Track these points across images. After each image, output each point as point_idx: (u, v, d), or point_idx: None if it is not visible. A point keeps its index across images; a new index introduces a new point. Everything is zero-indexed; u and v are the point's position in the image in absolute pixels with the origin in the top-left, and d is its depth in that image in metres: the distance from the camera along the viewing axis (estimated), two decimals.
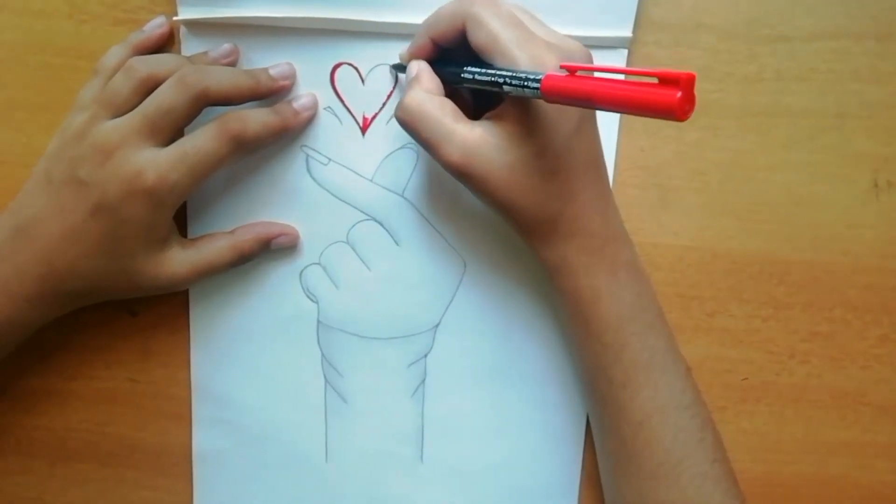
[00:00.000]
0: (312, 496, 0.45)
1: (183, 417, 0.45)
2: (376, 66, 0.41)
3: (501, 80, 0.32)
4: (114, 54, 0.40)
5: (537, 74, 0.30)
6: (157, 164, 0.36)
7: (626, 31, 0.39)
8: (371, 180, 0.42)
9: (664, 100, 0.25)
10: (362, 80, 0.41)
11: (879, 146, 0.40)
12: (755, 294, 0.42)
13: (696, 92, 0.40)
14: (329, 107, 0.41)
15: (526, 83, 0.31)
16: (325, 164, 0.42)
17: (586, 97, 0.28)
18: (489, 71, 0.33)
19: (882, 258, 0.41)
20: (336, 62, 0.41)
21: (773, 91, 0.40)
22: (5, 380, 0.45)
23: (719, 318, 0.42)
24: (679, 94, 0.25)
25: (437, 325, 0.43)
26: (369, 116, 0.41)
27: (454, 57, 0.36)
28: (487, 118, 0.35)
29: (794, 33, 0.39)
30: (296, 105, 0.40)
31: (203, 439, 0.45)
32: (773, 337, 0.42)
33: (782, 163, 0.41)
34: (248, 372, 0.44)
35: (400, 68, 0.40)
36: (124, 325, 0.45)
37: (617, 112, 0.28)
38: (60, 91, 0.42)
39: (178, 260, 0.39)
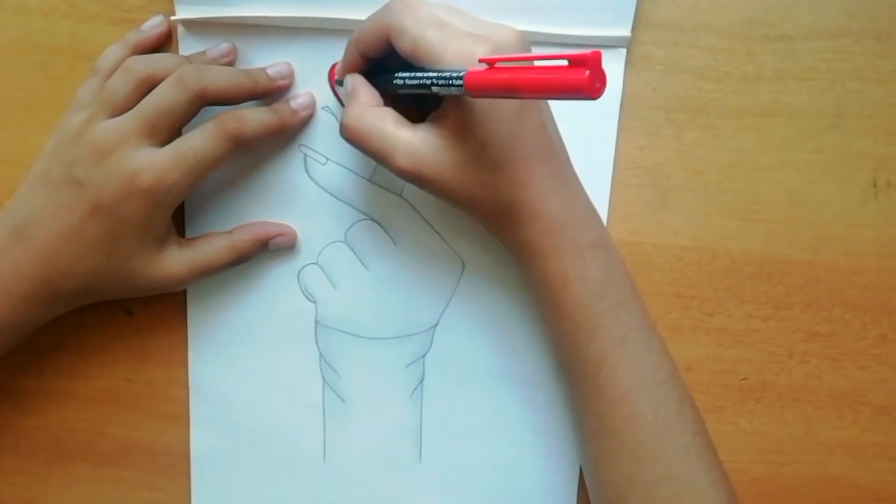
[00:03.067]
0: (310, 496, 0.45)
1: (180, 417, 0.45)
2: None
3: (429, 82, 0.32)
4: (111, 53, 0.40)
5: (460, 72, 0.30)
6: (156, 164, 0.36)
7: (625, 31, 0.39)
8: (369, 180, 0.42)
9: (575, 79, 0.26)
10: None
11: (879, 146, 0.40)
12: (754, 294, 0.42)
13: (696, 91, 0.40)
14: (327, 106, 0.41)
15: (451, 82, 0.31)
16: (324, 164, 0.42)
17: (506, 88, 0.28)
18: (417, 74, 0.33)
19: (881, 258, 0.41)
20: (334, 62, 0.41)
21: (773, 90, 0.40)
22: (3, 380, 0.45)
23: (718, 318, 0.42)
24: (587, 72, 0.26)
25: (435, 326, 0.43)
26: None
27: (390, 64, 0.36)
28: (430, 119, 0.35)
29: (794, 32, 0.39)
30: (293, 104, 0.40)
31: (200, 439, 0.45)
32: (773, 337, 0.42)
33: (781, 163, 0.41)
34: (246, 372, 0.44)
35: (341, 83, 0.39)
36: (122, 325, 0.44)
37: (539, 98, 0.28)
38: (58, 90, 0.42)
39: (176, 260, 0.39)
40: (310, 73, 0.41)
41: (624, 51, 0.39)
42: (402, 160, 0.34)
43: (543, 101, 0.36)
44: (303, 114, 0.40)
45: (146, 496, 0.46)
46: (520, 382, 0.43)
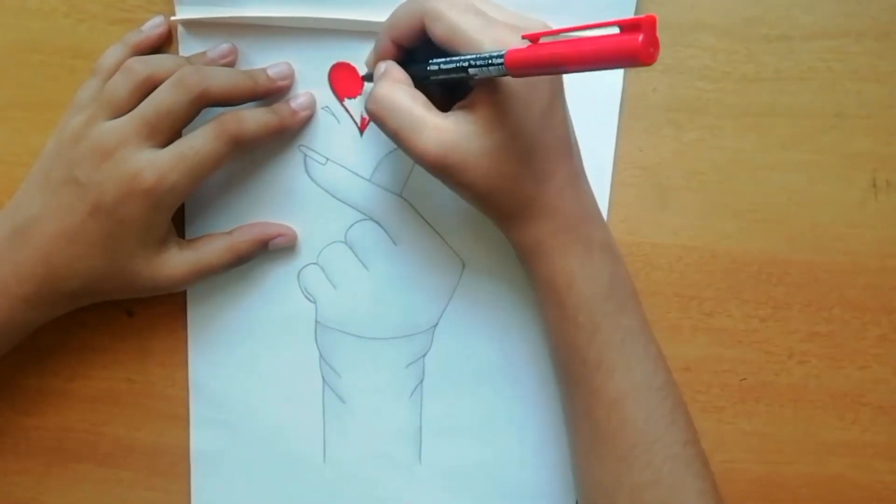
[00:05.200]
0: (310, 496, 0.45)
1: (180, 418, 0.45)
2: None
3: (466, 64, 0.32)
4: (111, 54, 0.40)
5: (500, 51, 0.30)
6: (156, 165, 0.36)
7: None
8: (369, 180, 0.42)
9: (627, 46, 0.25)
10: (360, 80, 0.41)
11: (878, 146, 0.40)
12: (754, 294, 0.42)
13: (695, 91, 0.40)
14: (327, 106, 0.41)
15: (490, 61, 0.31)
16: (323, 164, 0.42)
17: (551, 62, 0.27)
18: (453, 58, 0.33)
19: (881, 258, 0.41)
20: (334, 62, 0.41)
21: (772, 90, 0.40)
22: (2, 380, 0.45)
23: (718, 318, 0.42)
24: (641, 37, 0.24)
25: (435, 326, 0.43)
26: (367, 116, 0.41)
27: (419, 56, 0.36)
28: (459, 107, 0.35)
29: (793, 32, 0.39)
30: (293, 105, 0.40)
31: (200, 439, 0.45)
32: (772, 337, 0.42)
33: (781, 162, 0.41)
34: (246, 372, 0.44)
35: (369, 77, 0.39)
36: (122, 326, 0.44)
37: (586, 70, 0.27)
38: (58, 90, 0.42)
39: (176, 261, 0.39)
40: (310, 73, 0.41)
41: None
42: (430, 143, 0.33)
43: (564, 96, 0.35)
44: (303, 114, 0.40)
45: (146, 496, 0.46)
46: (520, 382, 0.43)
